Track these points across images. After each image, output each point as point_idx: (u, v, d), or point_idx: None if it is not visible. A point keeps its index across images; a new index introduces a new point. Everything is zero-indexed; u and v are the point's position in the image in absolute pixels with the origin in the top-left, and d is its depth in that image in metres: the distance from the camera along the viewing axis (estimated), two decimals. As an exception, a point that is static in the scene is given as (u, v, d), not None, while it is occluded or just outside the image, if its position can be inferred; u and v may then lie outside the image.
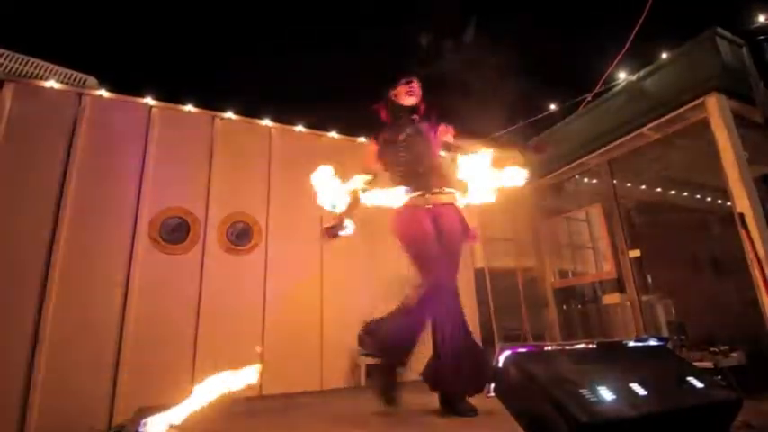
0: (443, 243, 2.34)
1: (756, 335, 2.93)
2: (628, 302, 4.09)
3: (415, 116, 2.56)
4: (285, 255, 4.09)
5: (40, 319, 3.15)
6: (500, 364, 1.39)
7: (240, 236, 4.01)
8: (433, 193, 2.40)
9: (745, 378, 2.78)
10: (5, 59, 3.52)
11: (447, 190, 2.44)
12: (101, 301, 3.37)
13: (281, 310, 3.91)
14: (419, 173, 2.42)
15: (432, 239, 2.31)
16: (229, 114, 4.20)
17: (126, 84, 3.84)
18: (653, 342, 1.72)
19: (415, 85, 2.57)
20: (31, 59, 3.59)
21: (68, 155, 3.49)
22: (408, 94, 2.55)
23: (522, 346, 1.42)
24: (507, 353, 1.40)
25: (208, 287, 3.72)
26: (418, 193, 2.38)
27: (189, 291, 3.66)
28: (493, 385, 1.41)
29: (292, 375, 3.79)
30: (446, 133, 2.55)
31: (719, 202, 4.69)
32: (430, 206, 2.37)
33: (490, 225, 4.82)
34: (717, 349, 3.03)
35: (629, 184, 4.62)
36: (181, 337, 3.53)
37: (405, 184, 2.38)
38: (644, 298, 4.00)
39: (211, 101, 4.11)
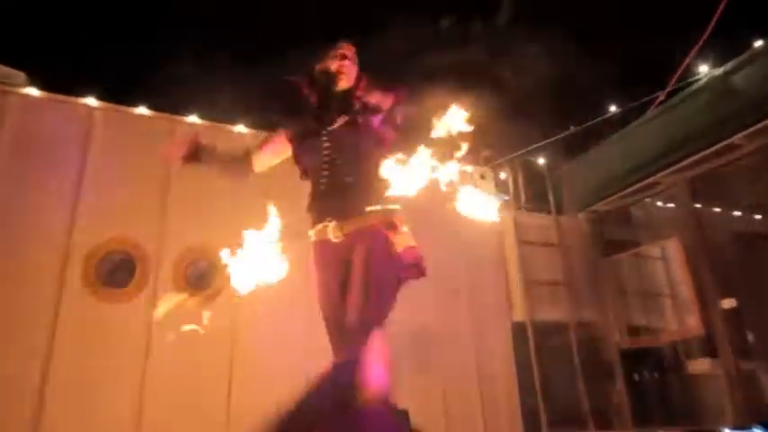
0: (351, 282, 1.82)
1: None
2: (721, 371, 3.69)
3: (354, 101, 1.99)
4: (259, 300, 3.38)
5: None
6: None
7: (203, 277, 3.49)
8: (345, 219, 1.87)
9: None
10: None
11: (369, 209, 1.90)
12: (16, 364, 2.92)
13: (252, 373, 3.37)
14: (345, 185, 1.90)
15: (331, 289, 1.83)
16: (193, 118, 3.81)
17: (62, 81, 3.56)
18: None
19: (349, 57, 1.99)
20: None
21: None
22: (338, 70, 1.96)
23: None
24: None
25: (158, 346, 3.19)
26: (327, 223, 1.87)
27: (131, 350, 3.19)
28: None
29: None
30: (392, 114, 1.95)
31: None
32: (341, 238, 1.86)
33: (531, 263, 4.34)
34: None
35: (717, 210, 4.38)
36: (121, 410, 3.06)
37: (321, 204, 1.90)
38: (743, 365, 3.64)
39: (170, 102, 3.81)
